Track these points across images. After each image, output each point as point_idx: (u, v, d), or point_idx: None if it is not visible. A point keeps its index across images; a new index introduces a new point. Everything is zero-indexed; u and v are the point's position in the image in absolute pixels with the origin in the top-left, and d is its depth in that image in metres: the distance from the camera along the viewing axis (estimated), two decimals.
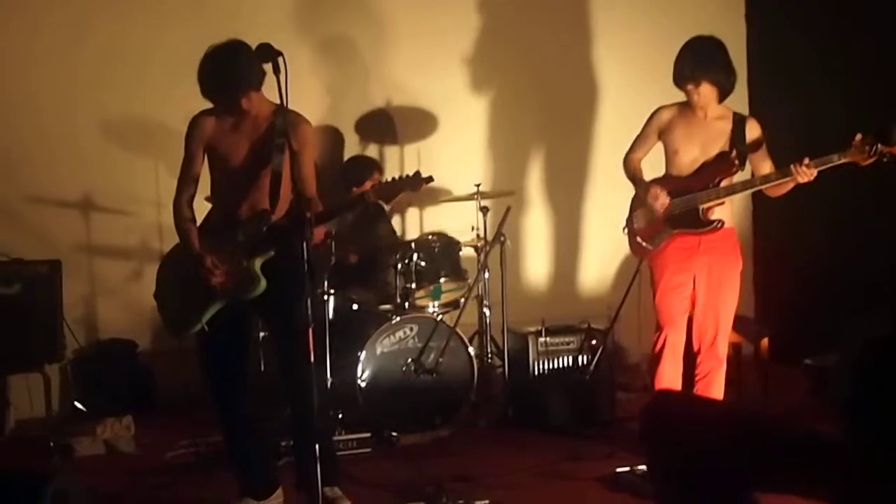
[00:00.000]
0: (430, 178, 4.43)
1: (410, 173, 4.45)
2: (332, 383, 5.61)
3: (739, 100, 6.49)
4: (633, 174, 5.29)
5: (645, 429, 2.65)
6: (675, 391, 5.02)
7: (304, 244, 4.01)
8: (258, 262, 4.40)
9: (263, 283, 4.40)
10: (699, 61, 5.03)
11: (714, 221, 5.01)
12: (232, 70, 4.36)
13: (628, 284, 5.38)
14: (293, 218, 4.38)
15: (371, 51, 7.36)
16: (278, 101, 4.11)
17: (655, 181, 5.19)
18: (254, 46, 4.15)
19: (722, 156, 5.02)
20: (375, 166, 6.85)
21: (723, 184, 5.00)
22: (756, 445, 2.12)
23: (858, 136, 4.64)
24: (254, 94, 4.43)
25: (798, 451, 2.09)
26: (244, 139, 4.51)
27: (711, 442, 2.20)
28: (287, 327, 4.41)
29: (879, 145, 4.58)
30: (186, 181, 4.60)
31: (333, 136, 7.24)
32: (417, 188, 4.45)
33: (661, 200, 5.07)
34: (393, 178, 4.50)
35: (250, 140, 4.50)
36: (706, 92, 5.03)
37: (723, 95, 5.09)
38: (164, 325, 4.78)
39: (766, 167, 5.05)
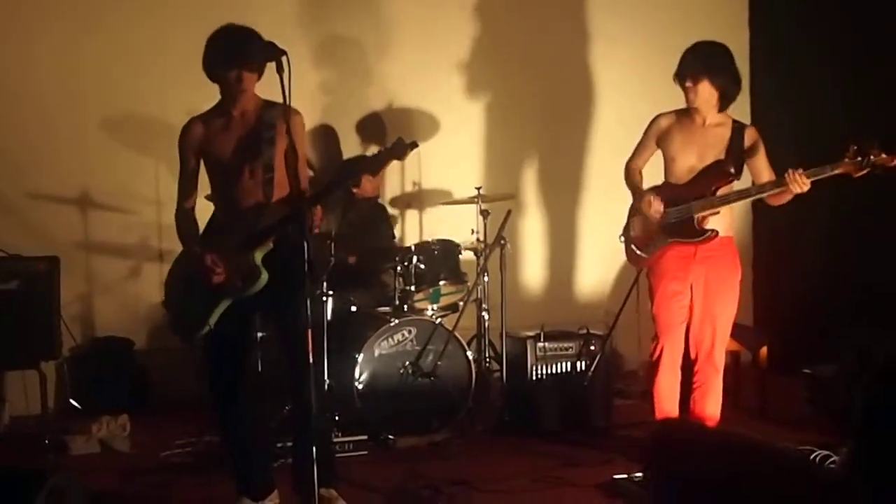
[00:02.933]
0: (415, 144, 4.35)
1: (394, 142, 4.38)
2: (329, 385, 5.59)
3: (741, 107, 6.47)
4: (631, 183, 5.29)
5: (651, 458, 2.65)
6: (680, 419, 5.03)
7: (305, 247, 4.00)
8: (258, 256, 4.39)
9: (265, 276, 4.39)
10: (701, 60, 5.00)
11: (708, 231, 4.97)
12: (246, 40, 4.39)
13: (627, 290, 5.37)
14: (287, 211, 4.37)
15: (372, 53, 7.37)
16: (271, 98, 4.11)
17: (652, 189, 5.18)
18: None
19: (717, 164, 4.99)
20: None
21: (719, 193, 4.97)
22: (754, 481, 2.12)
23: (853, 148, 4.63)
24: (257, 74, 4.45)
25: (796, 486, 2.09)
26: (234, 137, 4.50)
27: (712, 473, 2.21)
28: (287, 327, 4.42)
29: (871, 157, 4.56)
30: (185, 188, 4.62)
31: (332, 137, 7.22)
32: (403, 156, 4.38)
33: (655, 207, 5.05)
34: (379, 151, 4.46)
35: (240, 137, 4.50)
36: (704, 93, 5.00)
37: (723, 102, 5.06)
38: (174, 331, 4.75)
39: (765, 176, 5.01)
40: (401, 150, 4.33)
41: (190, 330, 4.59)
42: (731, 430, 4.83)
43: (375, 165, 4.47)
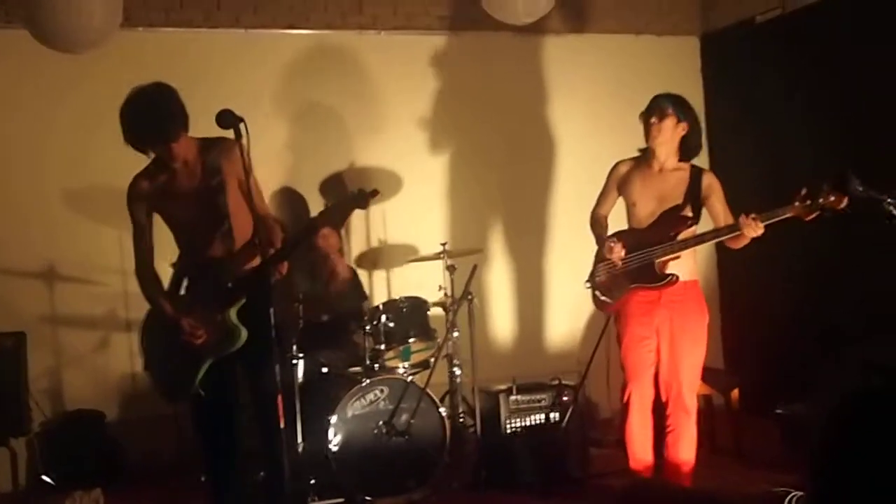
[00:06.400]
0: (376, 192, 4.32)
1: (354, 192, 4.35)
2: (302, 448, 5.55)
3: (700, 153, 6.50)
4: (596, 231, 5.35)
5: None
6: (649, 478, 5.04)
7: (271, 314, 3.98)
8: (233, 313, 4.35)
9: (244, 332, 4.34)
10: (671, 99, 5.11)
11: (668, 276, 5.02)
12: (160, 114, 4.30)
13: (597, 339, 5.40)
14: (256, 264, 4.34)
15: (332, 113, 7.39)
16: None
17: (614, 235, 5.22)
18: (216, 113, 4.13)
19: (675, 209, 5.06)
20: None
21: (679, 237, 5.02)
22: None
23: (803, 191, 4.69)
24: (183, 135, 4.36)
25: None
26: (184, 192, 4.46)
27: None
28: (260, 391, 4.38)
29: (820, 200, 4.62)
30: (140, 247, 4.59)
31: (295, 200, 7.22)
32: (365, 205, 4.36)
33: (617, 252, 5.09)
34: (339, 200, 4.40)
35: (190, 190, 4.46)
36: (667, 131, 5.07)
37: (684, 150, 5.14)
38: (159, 395, 4.70)
39: (723, 220, 5.06)
40: (362, 198, 4.30)
41: (175, 391, 4.55)
42: (697, 488, 4.87)
43: (337, 216, 4.43)
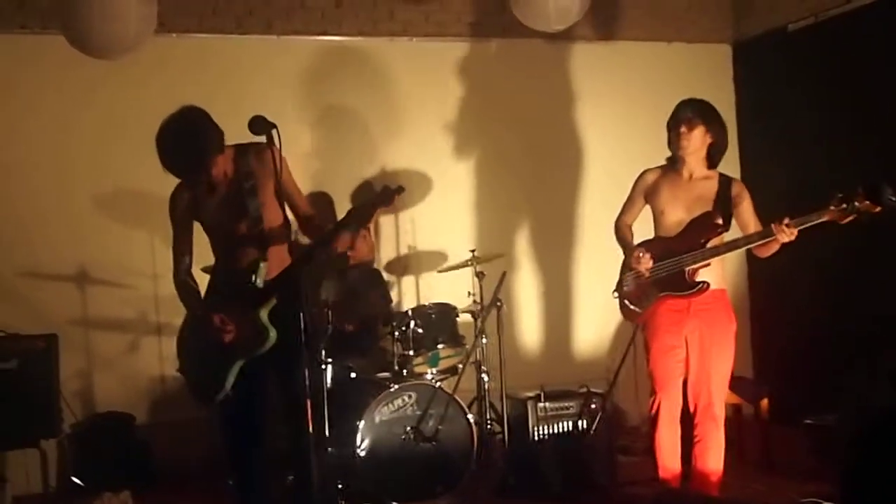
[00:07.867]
0: (401, 189, 4.29)
1: (380, 190, 4.32)
2: (331, 453, 5.55)
3: (731, 161, 6.53)
4: (622, 239, 5.34)
5: None
6: (677, 488, 5.02)
7: (301, 316, 3.99)
8: (264, 314, 4.36)
9: (274, 333, 4.35)
10: (698, 107, 5.10)
11: (699, 283, 4.99)
12: (192, 147, 4.31)
13: (626, 346, 5.38)
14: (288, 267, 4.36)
15: (362, 119, 7.41)
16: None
17: (642, 244, 5.21)
18: (248, 119, 4.14)
19: (706, 216, 5.03)
20: None
21: (709, 245, 4.99)
22: None
23: (839, 195, 4.67)
24: (219, 158, 4.39)
25: None
26: (220, 198, 4.50)
27: None
28: (289, 396, 4.40)
29: (856, 204, 4.60)
30: (180, 254, 4.61)
31: (324, 203, 7.22)
32: (390, 202, 4.30)
33: (645, 263, 5.07)
34: (365, 201, 4.39)
35: (225, 196, 4.50)
36: (696, 140, 5.06)
37: (711, 158, 5.14)
38: (192, 397, 4.73)
39: (752, 228, 5.04)
40: (387, 195, 4.28)
41: (208, 394, 4.56)
42: (725, 498, 4.85)
43: (364, 215, 4.40)
